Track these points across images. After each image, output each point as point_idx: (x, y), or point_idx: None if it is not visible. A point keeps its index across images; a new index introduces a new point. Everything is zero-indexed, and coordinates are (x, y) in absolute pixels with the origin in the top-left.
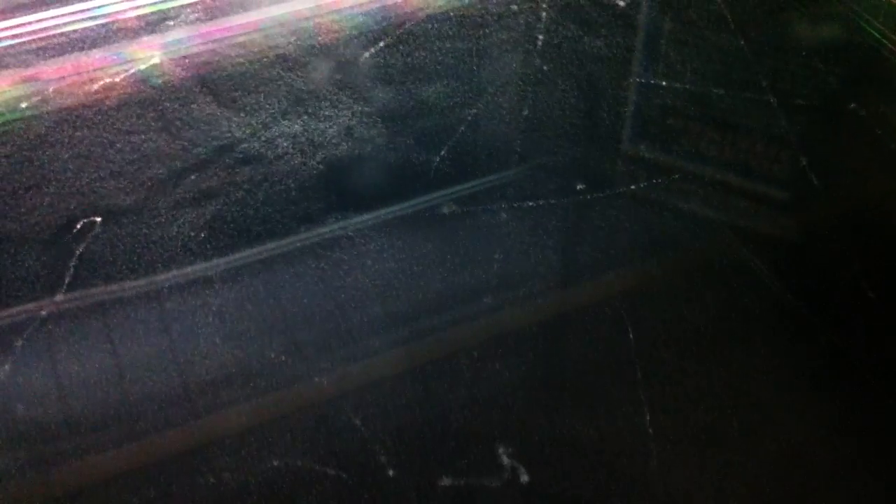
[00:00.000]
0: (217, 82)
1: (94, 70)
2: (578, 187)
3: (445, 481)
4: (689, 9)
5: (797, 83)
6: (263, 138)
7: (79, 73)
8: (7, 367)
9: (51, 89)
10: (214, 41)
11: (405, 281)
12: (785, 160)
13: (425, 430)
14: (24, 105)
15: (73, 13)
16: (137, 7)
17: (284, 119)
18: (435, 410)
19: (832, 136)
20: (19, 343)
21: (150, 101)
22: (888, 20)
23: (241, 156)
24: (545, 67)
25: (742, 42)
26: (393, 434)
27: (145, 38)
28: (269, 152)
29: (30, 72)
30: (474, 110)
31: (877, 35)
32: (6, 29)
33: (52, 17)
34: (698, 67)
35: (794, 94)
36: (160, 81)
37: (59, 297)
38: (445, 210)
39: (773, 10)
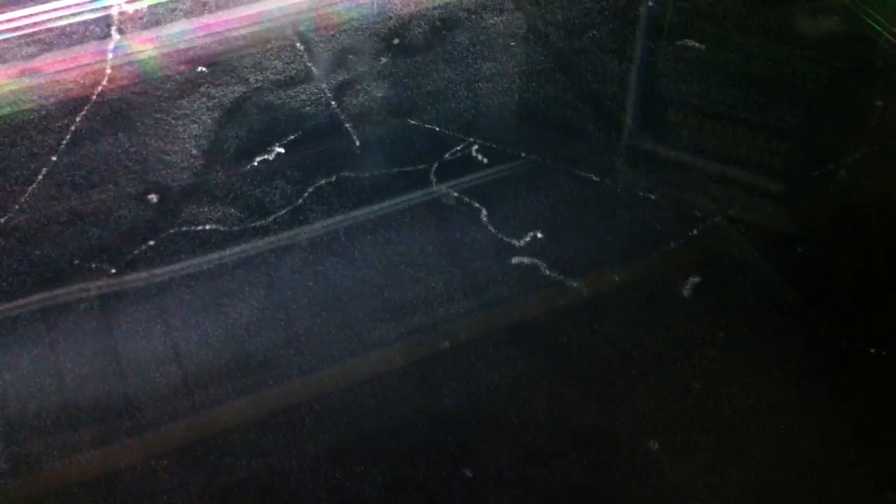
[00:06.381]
0: (215, 75)
1: (94, 63)
2: (577, 181)
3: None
4: (689, 2)
5: (798, 76)
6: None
7: (78, 67)
8: None
9: (49, 82)
10: (211, 34)
11: (398, 274)
12: (785, 153)
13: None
14: (23, 98)
15: (71, 6)
16: (135, 1)
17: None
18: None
19: (833, 129)
20: None
21: (148, 93)
22: (888, 13)
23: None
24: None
25: (743, 35)
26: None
27: (144, 32)
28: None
29: (29, 65)
30: None
31: (877, 28)
32: (5, 22)
33: (51, 11)
34: (699, 60)
35: (795, 87)
36: (158, 74)
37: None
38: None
39: (773, 3)
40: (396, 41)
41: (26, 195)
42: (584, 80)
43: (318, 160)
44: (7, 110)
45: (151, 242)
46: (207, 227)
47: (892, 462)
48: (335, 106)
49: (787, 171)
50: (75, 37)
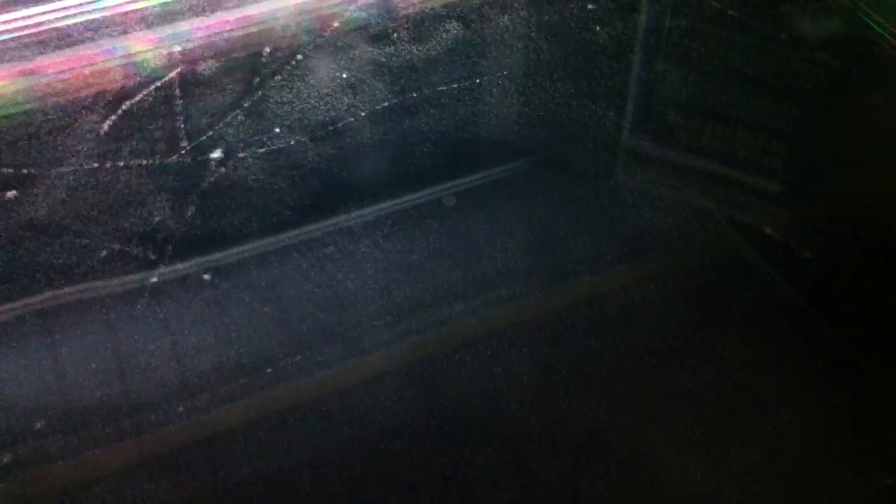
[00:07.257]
0: (215, 75)
1: (94, 64)
2: (575, 181)
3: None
4: (689, 2)
5: (798, 76)
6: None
7: (79, 67)
8: None
9: (50, 83)
10: (214, 35)
11: (404, 272)
12: (785, 153)
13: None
14: (23, 98)
15: (72, 6)
16: (135, 1)
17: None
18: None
19: (833, 129)
20: None
21: (151, 96)
22: (888, 13)
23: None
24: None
25: (743, 35)
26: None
27: (144, 32)
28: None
29: (29, 65)
30: None
31: (877, 28)
32: (5, 23)
33: (52, 12)
34: (699, 60)
35: (795, 87)
36: (161, 76)
37: None
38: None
39: (773, 3)
40: (396, 43)
41: (31, 198)
42: (583, 81)
43: (319, 165)
44: (7, 112)
45: (158, 245)
46: (215, 228)
47: (892, 462)
48: (336, 111)
49: (787, 170)
50: (76, 38)
